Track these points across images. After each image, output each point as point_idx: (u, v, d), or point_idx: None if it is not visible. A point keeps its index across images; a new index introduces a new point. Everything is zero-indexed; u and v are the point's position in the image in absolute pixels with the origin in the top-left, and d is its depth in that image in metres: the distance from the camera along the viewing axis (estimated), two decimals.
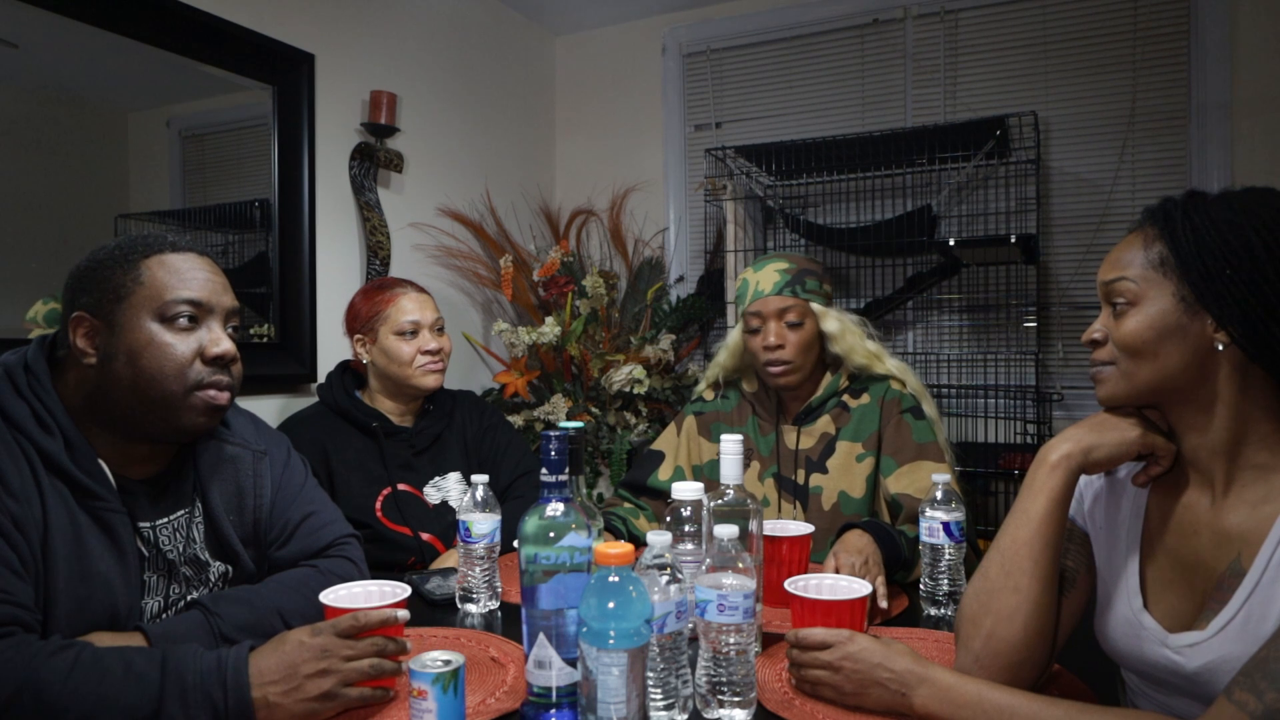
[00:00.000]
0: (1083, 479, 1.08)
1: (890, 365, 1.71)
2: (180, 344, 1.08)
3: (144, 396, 1.06)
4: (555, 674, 0.91)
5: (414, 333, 1.83)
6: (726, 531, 0.98)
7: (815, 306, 1.70)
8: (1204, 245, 0.91)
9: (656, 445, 1.87)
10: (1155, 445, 0.98)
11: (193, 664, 0.91)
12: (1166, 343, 0.93)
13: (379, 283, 1.92)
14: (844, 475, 1.67)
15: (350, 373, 1.92)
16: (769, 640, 1.21)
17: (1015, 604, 0.97)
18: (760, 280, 1.72)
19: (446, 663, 0.88)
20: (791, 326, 1.68)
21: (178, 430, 1.11)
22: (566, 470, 0.97)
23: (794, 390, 1.75)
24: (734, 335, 1.81)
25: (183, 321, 1.09)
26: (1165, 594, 0.98)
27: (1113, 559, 1.04)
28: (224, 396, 1.13)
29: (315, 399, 1.92)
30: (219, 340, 1.11)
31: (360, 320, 1.87)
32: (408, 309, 1.84)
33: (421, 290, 1.91)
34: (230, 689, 0.90)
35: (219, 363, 1.11)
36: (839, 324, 1.70)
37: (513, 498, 1.84)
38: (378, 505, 1.75)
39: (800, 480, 1.71)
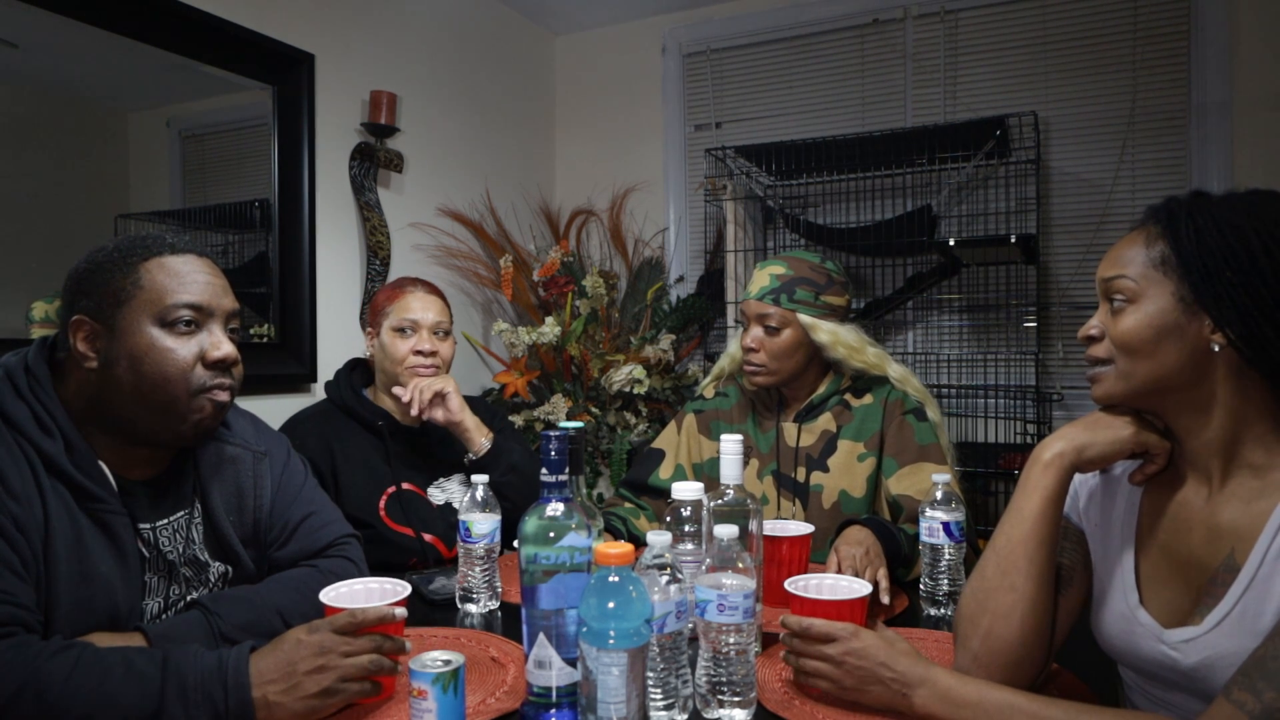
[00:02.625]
0: (1078, 477, 1.08)
1: (893, 373, 1.71)
2: (181, 349, 1.08)
3: (146, 401, 1.07)
4: (555, 674, 0.91)
5: (411, 330, 1.83)
6: (726, 531, 0.99)
7: (803, 317, 1.68)
8: (1206, 246, 0.91)
9: (657, 444, 1.87)
10: (1149, 443, 0.98)
11: (193, 664, 0.91)
12: (1164, 342, 0.93)
13: (399, 279, 1.93)
14: (845, 474, 1.67)
15: (360, 370, 1.93)
16: (769, 640, 1.21)
17: (1012, 602, 0.97)
18: (754, 280, 1.74)
19: (446, 663, 0.88)
20: (769, 331, 1.69)
21: (180, 435, 1.11)
22: (566, 470, 0.97)
23: (790, 390, 1.76)
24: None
25: (183, 325, 1.08)
26: (1160, 590, 0.98)
27: (1108, 555, 1.04)
28: (225, 397, 1.13)
29: (315, 399, 1.92)
30: (220, 344, 1.11)
31: (374, 313, 1.87)
32: (410, 306, 1.84)
33: (433, 292, 1.90)
34: (231, 689, 0.90)
35: (220, 366, 1.11)
36: (831, 336, 1.68)
37: None
38: (381, 504, 1.75)
39: (800, 478, 1.71)
